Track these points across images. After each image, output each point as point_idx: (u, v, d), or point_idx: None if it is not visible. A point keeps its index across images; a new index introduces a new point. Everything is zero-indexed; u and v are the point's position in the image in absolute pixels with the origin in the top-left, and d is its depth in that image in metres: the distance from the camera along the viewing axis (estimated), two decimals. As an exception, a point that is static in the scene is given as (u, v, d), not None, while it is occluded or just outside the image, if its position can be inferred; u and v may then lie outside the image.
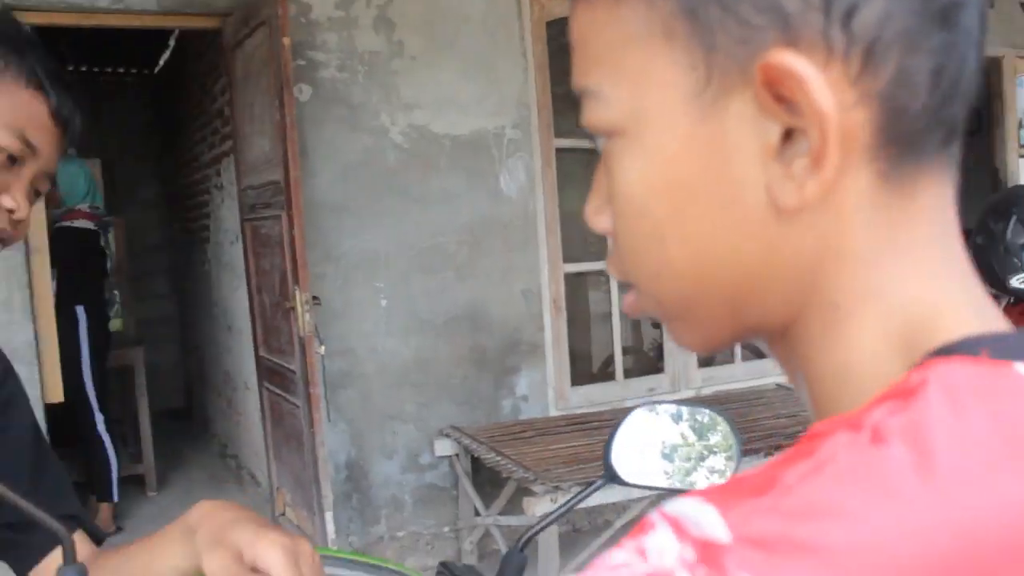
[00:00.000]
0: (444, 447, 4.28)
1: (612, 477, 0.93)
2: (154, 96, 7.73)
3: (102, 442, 4.75)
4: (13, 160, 0.99)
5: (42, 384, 3.95)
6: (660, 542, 0.35)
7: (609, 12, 0.44)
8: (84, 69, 7.22)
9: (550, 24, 4.44)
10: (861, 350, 0.43)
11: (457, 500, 4.36)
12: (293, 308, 3.64)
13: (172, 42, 6.32)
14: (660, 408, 0.89)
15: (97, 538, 1.17)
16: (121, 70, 7.53)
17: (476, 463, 4.12)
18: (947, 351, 0.39)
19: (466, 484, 4.20)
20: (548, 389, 4.55)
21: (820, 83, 0.39)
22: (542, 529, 1.05)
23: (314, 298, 3.66)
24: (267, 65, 3.67)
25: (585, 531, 4.50)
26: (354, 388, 4.20)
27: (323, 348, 3.74)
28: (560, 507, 1.02)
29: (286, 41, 3.46)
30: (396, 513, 4.31)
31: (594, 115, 0.46)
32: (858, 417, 0.37)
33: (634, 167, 0.45)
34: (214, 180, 5.40)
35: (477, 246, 4.36)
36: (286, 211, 3.60)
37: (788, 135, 0.41)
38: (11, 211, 0.99)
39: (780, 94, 0.40)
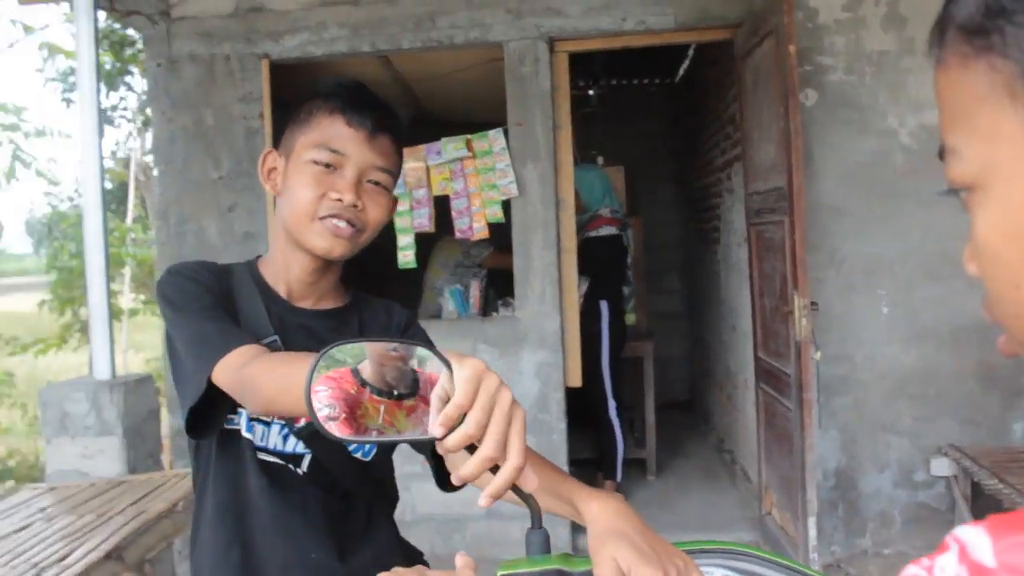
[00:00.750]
0: (941, 466, 4.04)
1: None
2: (673, 103, 8.17)
3: (612, 426, 5.18)
4: (333, 167, 1.39)
5: (564, 369, 4.47)
6: (946, 562, 0.40)
7: (960, 75, 0.49)
8: (614, 83, 7.87)
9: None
10: None
11: (952, 525, 4.05)
12: (791, 312, 3.69)
13: (691, 52, 6.65)
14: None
15: None
16: (646, 81, 8.06)
17: (976, 488, 3.84)
18: None
19: (963, 509, 3.91)
20: (1072, 415, 4.06)
21: None
22: None
23: (812, 303, 3.67)
24: (774, 73, 3.76)
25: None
26: (849, 395, 4.13)
27: (819, 354, 3.73)
28: None
29: (792, 49, 3.52)
30: (883, 529, 4.16)
31: (953, 170, 0.50)
32: None
33: (988, 217, 0.48)
34: (725, 184, 5.60)
35: (994, 254, 4.01)
36: (788, 217, 3.66)
37: None
38: (340, 200, 1.38)
39: None
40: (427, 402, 1.16)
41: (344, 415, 1.08)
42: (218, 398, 1.29)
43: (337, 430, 1.04)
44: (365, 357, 1.12)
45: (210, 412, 1.33)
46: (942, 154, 0.51)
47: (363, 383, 1.09)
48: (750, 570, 1.16)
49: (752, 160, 4.31)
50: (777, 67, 3.69)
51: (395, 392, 1.14)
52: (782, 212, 3.78)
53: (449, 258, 5.51)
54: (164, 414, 4.81)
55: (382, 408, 1.13)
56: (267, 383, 1.19)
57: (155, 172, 4.69)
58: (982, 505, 3.90)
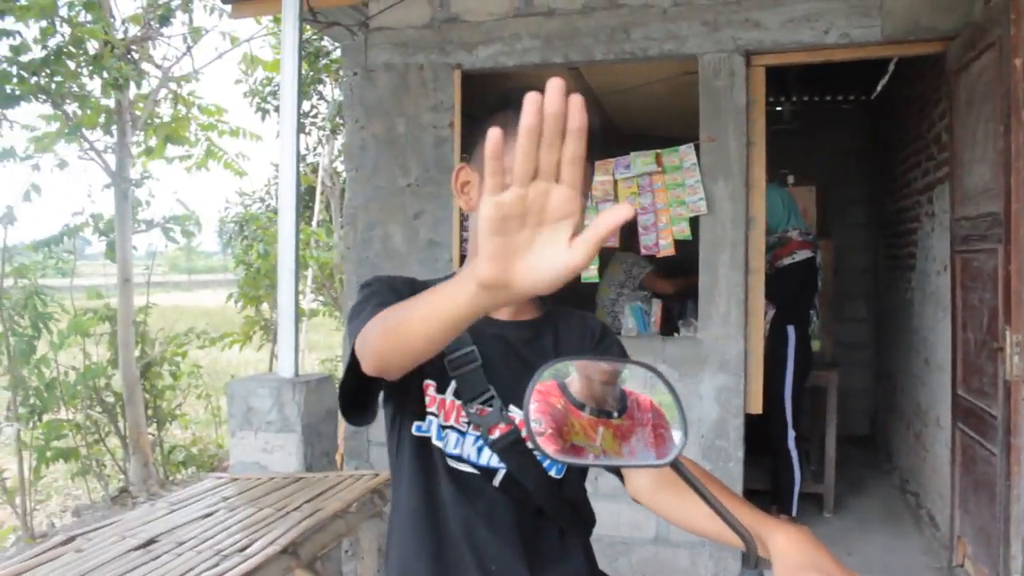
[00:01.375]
0: None
1: None
2: (868, 121, 7.81)
3: (790, 457, 4.94)
4: None
5: (745, 394, 4.29)
6: None
7: None
8: (806, 99, 7.58)
9: None
10: None
11: None
12: (1001, 349, 3.41)
13: (891, 67, 6.32)
14: None
15: None
16: (840, 98, 7.73)
17: None
18: None
19: None
20: None
21: None
22: None
23: (1027, 339, 3.38)
24: (993, 89, 3.49)
25: None
26: (1064, 444, 3.78)
27: (1032, 395, 3.43)
28: None
29: (1018, 63, 3.25)
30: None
31: None
32: None
33: None
34: (925, 207, 5.28)
35: None
36: (1003, 245, 3.38)
37: None
38: None
39: None
40: (634, 421, 1.09)
41: (550, 431, 1.02)
42: (370, 381, 1.27)
43: (544, 445, 0.99)
44: (571, 373, 1.06)
45: (362, 396, 1.34)
46: None
47: (571, 400, 1.04)
48: None
49: (962, 183, 4.02)
50: (999, 82, 3.41)
51: (604, 411, 1.08)
52: (995, 239, 3.50)
53: (615, 276, 5.45)
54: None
55: (600, 429, 1.07)
56: (377, 335, 1.13)
57: (344, 178, 4.83)
58: None
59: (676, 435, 1.05)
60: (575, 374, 1.05)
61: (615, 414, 1.08)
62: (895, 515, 5.52)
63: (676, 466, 1.02)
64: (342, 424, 4.90)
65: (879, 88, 7.05)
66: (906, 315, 5.96)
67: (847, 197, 7.66)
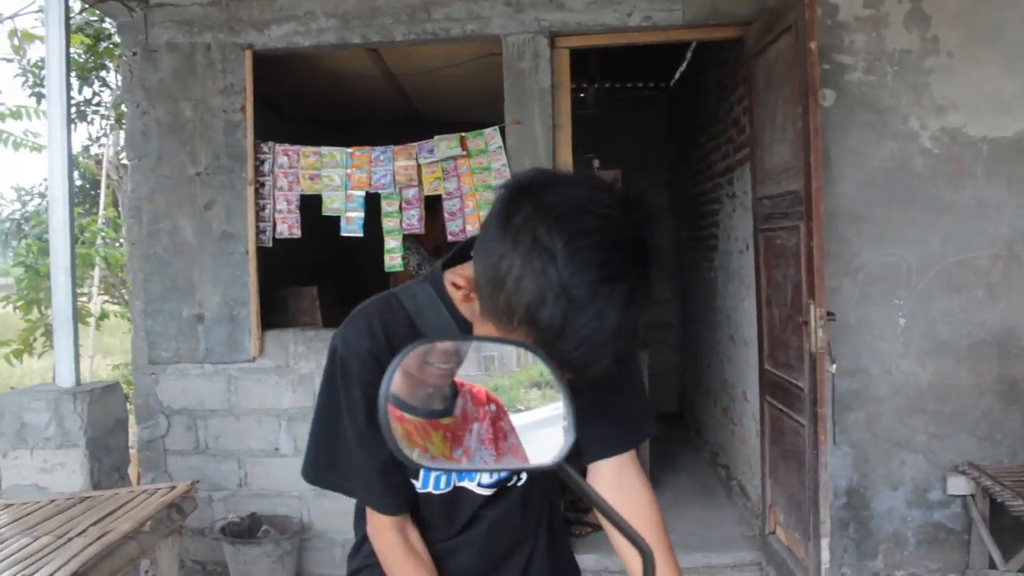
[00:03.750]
0: (958, 485, 3.88)
1: None
2: (668, 108, 7.99)
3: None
4: None
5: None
6: None
7: None
8: (608, 86, 7.65)
9: None
10: None
11: (968, 546, 3.92)
12: (806, 323, 3.48)
13: (689, 54, 6.45)
14: None
15: None
16: (640, 85, 7.86)
17: (996, 508, 3.70)
18: None
19: (982, 530, 3.75)
20: (1096, 432, 3.89)
21: None
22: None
23: (829, 313, 3.46)
24: (790, 71, 3.56)
25: None
26: (862, 410, 3.94)
27: (835, 367, 3.53)
28: None
29: (813, 45, 3.32)
30: (896, 550, 3.98)
31: None
32: None
33: None
34: (726, 189, 5.41)
35: (1016, 262, 3.86)
36: (805, 222, 3.45)
37: None
38: None
39: None
40: (467, 418, 0.96)
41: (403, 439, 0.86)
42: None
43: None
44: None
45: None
46: None
47: (399, 403, 0.86)
48: None
49: (762, 163, 4.10)
50: (795, 65, 3.48)
51: (431, 411, 0.92)
52: (796, 217, 3.57)
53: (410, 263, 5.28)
54: (132, 423, 4.54)
55: (431, 432, 0.91)
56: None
57: (128, 167, 4.44)
58: (1000, 525, 3.75)
59: (556, 434, 0.89)
60: (399, 373, 0.87)
61: (443, 413, 0.92)
62: (708, 488, 5.65)
63: (562, 469, 0.86)
64: (135, 432, 4.51)
65: (677, 75, 7.20)
66: (710, 294, 6.11)
67: (650, 181, 7.80)
